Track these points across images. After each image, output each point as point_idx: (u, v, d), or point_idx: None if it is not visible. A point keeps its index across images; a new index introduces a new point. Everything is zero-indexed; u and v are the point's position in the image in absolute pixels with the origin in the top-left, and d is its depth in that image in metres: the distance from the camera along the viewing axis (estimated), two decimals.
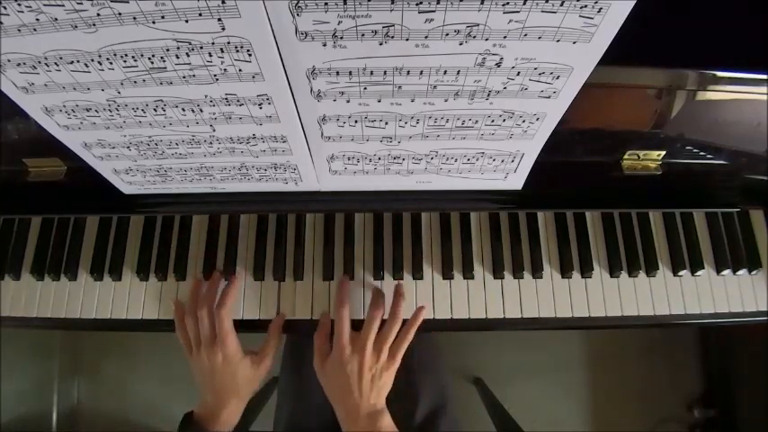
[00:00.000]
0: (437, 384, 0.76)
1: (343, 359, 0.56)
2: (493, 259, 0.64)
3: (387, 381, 0.57)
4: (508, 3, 0.32)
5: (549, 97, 0.41)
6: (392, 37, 0.34)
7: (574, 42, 0.35)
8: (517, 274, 0.64)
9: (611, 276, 0.64)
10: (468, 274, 0.63)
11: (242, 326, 0.62)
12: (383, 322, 0.58)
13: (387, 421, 0.55)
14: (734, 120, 0.52)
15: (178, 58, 0.36)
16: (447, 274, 0.63)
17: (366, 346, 0.56)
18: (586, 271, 0.64)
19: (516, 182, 0.55)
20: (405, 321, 0.59)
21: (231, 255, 0.65)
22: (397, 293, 0.61)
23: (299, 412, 0.74)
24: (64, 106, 0.42)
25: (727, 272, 0.64)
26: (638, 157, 0.58)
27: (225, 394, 0.58)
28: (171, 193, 0.58)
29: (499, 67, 0.38)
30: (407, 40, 0.35)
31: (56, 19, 0.33)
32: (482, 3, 0.31)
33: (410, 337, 0.59)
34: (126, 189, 0.57)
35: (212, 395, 0.58)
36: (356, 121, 0.45)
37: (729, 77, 0.47)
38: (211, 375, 0.58)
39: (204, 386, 0.59)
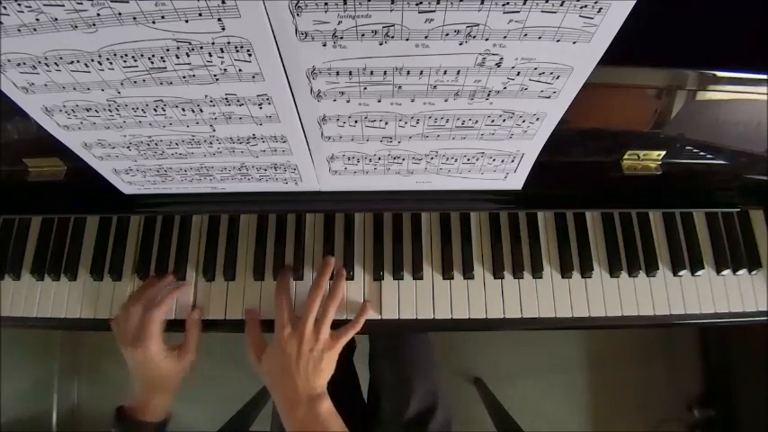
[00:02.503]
0: (430, 384, 0.76)
1: (281, 340, 0.56)
2: (493, 259, 0.64)
3: (328, 363, 0.57)
4: (508, 3, 0.32)
5: (549, 97, 0.41)
6: (392, 37, 0.34)
7: (574, 42, 0.35)
8: (517, 274, 0.64)
9: (611, 276, 0.64)
10: (468, 274, 0.63)
11: (242, 326, 0.62)
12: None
13: (326, 405, 0.55)
14: (734, 120, 0.52)
15: (178, 58, 0.36)
16: (447, 274, 0.63)
17: (306, 326, 0.56)
18: (586, 271, 0.64)
19: (516, 182, 0.55)
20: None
21: (231, 255, 0.65)
22: (338, 273, 0.62)
23: None
24: (64, 106, 0.42)
25: (727, 272, 0.64)
26: (638, 157, 0.58)
27: (150, 388, 0.59)
28: (171, 193, 0.58)
29: (499, 67, 0.38)
30: (407, 40, 0.35)
31: (56, 19, 0.33)
32: (482, 3, 0.31)
33: (358, 326, 0.59)
34: (126, 189, 0.57)
35: (139, 386, 0.60)
36: (356, 121, 0.45)
37: (729, 77, 0.47)
38: (137, 369, 0.59)
39: (133, 375, 0.60)
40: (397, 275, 0.63)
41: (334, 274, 0.62)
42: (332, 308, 0.58)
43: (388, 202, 0.64)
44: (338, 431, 0.54)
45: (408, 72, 0.38)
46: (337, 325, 0.59)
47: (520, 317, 0.62)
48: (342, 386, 0.76)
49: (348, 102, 0.42)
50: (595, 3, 0.31)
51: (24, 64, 0.37)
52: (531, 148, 0.50)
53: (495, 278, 0.64)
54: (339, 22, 0.33)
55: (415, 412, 0.73)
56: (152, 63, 0.37)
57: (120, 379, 1.36)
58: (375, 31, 0.34)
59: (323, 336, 0.56)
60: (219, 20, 0.33)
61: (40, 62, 0.37)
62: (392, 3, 0.31)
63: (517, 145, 0.49)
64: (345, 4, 0.32)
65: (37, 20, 0.33)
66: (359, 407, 0.83)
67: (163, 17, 0.33)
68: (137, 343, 0.58)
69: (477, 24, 0.33)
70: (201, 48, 0.35)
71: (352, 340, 0.90)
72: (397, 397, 0.74)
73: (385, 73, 0.38)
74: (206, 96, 0.41)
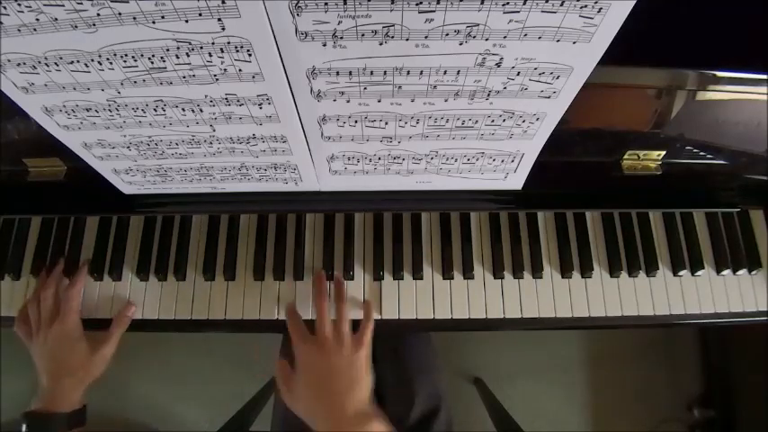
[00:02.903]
0: (433, 386, 0.76)
1: (305, 360, 0.52)
2: (493, 259, 0.64)
3: (361, 368, 0.52)
4: (508, 3, 0.32)
5: (549, 97, 0.41)
6: (392, 37, 0.34)
7: (574, 42, 0.35)
8: (517, 274, 0.64)
9: (611, 276, 0.64)
10: (468, 274, 0.63)
11: (242, 326, 0.62)
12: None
13: (377, 426, 0.49)
14: (734, 120, 0.52)
15: (178, 58, 0.36)
16: (447, 274, 0.63)
17: (324, 335, 0.53)
18: (586, 271, 0.64)
19: (516, 182, 0.55)
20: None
21: (231, 255, 0.65)
22: (337, 281, 0.62)
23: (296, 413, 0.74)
24: (64, 106, 0.42)
25: (727, 272, 0.64)
26: (638, 157, 0.58)
27: (58, 373, 0.57)
28: (171, 193, 0.58)
29: (499, 67, 0.38)
30: (407, 40, 0.35)
31: (56, 19, 0.33)
32: (482, 3, 0.31)
33: (371, 320, 0.57)
34: (126, 189, 0.57)
35: (47, 376, 0.57)
36: (356, 121, 0.45)
37: (729, 77, 0.47)
38: (47, 354, 0.57)
39: (41, 370, 0.58)
40: (397, 275, 0.63)
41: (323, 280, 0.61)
42: (343, 308, 0.56)
43: (388, 202, 0.64)
44: None
45: (408, 72, 0.38)
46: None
47: (520, 317, 0.62)
48: None
49: (348, 102, 0.42)
50: (595, 3, 0.31)
51: (24, 64, 0.37)
52: (531, 148, 0.50)
53: (495, 278, 0.64)
54: (339, 22, 0.33)
55: (419, 415, 0.73)
56: (152, 63, 0.37)
57: (120, 379, 1.36)
58: (375, 31, 0.34)
59: (346, 338, 0.53)
60: (219, 20, 0.33)
61: (40, 62, 0.37)
62: (392, 3, 0.31)
63: (517, 145, 0.49)
64: (345, 4, 0.32)
65: (37, 20, 0.33)
66: None
67: (163, 17, 0.33)
68: (54, 320, 0.57)
69: (477, 24, 0.33)
70: (201, 48, 0.35)
71: None
72: (401, 399, 0.74)
73: (385, 73, 0.38)
74: (206, 96, 0.41)
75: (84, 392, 0.59)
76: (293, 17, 0.33)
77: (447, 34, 0.34)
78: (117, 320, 0.61)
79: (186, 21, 0.33)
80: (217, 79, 0.39)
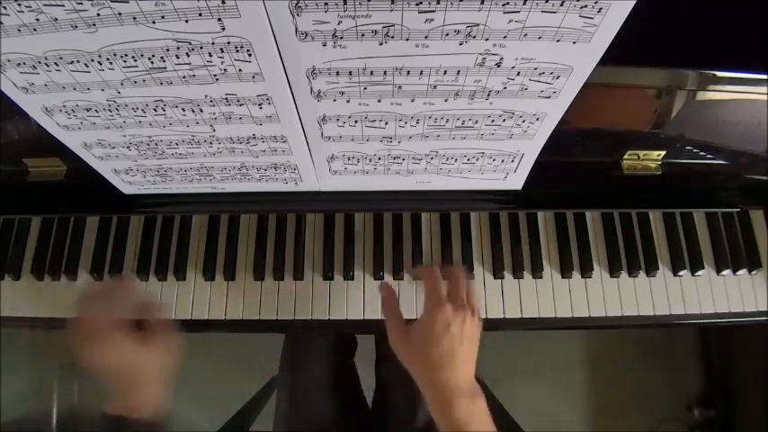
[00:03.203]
0: None
1: (446, 318, 0.49)
2: (493, 259, 0.64)
3: (475, 346, 0.52)
4: (508, 3, 0.32)
5: (549, 97, 0.41)
6: (392, 37, 0.34)
7: (574, 42, 0.35)
8: (517, 274, 0.64)
9: (611, 276, 0.64)
10: (467, 274, 0.63)
11: (242, 326, 0.62)
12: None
13: (483, 401, 0.49)
14: (734, 120, 0.52)
15: (178, 58, 0.36)
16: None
17: (465, 303, 0.50)
18: (586, 271, 0.63)
19: (516, 182, 0.55)
20: None
21: (231, 255, 0.65)
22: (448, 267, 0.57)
23: (298, 412, 0.74)
24: (64, 106, 0.42)
25: (727, 272, 0.64)
26: (638, 157, 0.58)
27: (131, 384, 0.55)
28: (171, 193, 0.58)
29: (499, 67, 0.38)
30: (407, 40, 0.35)
31: (56, 19, 0.33)
32: (482, 3, 0.31)
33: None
34: (126, 189, 0.57)
35: (119, 390, 0.55)
36: (356, 121, 0.45)
37: (729, 77, 0.47)
38: (113, 368, 0.55)
39: (109, 382, 0.56)
40: (398, 275, 0.63)
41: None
42: (463, 279, 0.52)
43: (388, 202, 0.64)
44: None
45: (408, 72, 0.38)
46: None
47: (520, 317, 0.62)
48: (343, 385, 0.76)
49: (348, 102, 0.42)
50: (595, 3, 0.31)
51: (24, 64, 0.37)
52: (531, 148, 0.49)
53: (495, 278, 0.64)
54: (339, 22, 0.33)
55: (425, 417, 0.72)
56: (152, 63, 0.37)
57: None
58: (375, 31, 0.34)
59: (477, 314, 0.51)
60: (219, 20, 0.33)
61: (40, 62, 0.37)
62: (392, 3, 0.31)
63: (517, 145, 0.49)
64: (345, 4, 0.32)
65: (37, 20, 0.33)
66: (361, 408, 0.83)
67: (163, 17, 0.32)
68: (106, 337, 0.54)
69: (477, 24, 0.33)
70: (201, 48, 0.35)
71: (353, 339, 0.90)
72: (407, 402, 0.74)
73: (385, 73, 0.38)
74: (206, 96, 0.41)
75: (160, 395, 0.56)
76: (293, 17, 0.33)
77: (447, 34, 0.34)
78: (146, 316, 0.58)
79: (186, 21, 0.33)
80: (217, 79, 0.39)
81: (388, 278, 0.63)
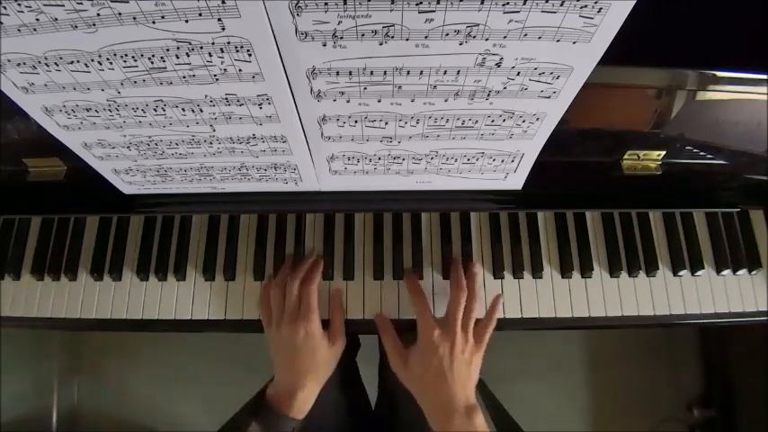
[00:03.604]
0: None
1: (432, 342, 0.53)
2: (493, 259, 0.64)
3: (476, 367, 0.55)
4: (508, 3, 0.32)
5: (549, 97, 0.41)
6: (392, 37, 0.34)
7: (574, 42, 0.35)
8: (517, 274, 0.64)
9: (611, 276, 0.64)
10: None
11: (242, 326, 0.62)
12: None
13: (481, 419, 0.51)
14: (734, 120, 0.52)
15: (178, 58, 0.36)
16: (447, 275, 0.63)
17: (456, 327, 0.54)
18: (586, 271, 0.64)
19: (516, 182, 0.55)
20: None
21: (231, 255, 0.65)
22: (471, 272, 0.60)
23: None
24: (64, 106, 0.42)
25: (727, 272, 0.64)
26: (638, 157, 0.58)
27: (304, 374, 0.55)
28: (171, 193, 0.57)
29: (499, 67, 0.38)
30: (407, 40, 0.35)
31: (56, 19, 0.33)
32: (482, 3, 0.31)
33: (494, 321, 0.57)
34: (126, 189, 0.57)
35: (290, 374, 0.55)
36: (356, 121, 0.45)
37: (729, 77, 0.47)
38: (291, 353, 0.55)
39: (282, 364, 0.56)
40: (398, 275, 0.63)
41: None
42: (475, 308, 0.56)
43: (388, 202, 0.64)
44: None
45: (408, 72, 0.38)
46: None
47: (520, 317, 0.62)
48: (345, 386, 0.76)
49: (348, 102, 0.42)
50: (595, 3, 0.31)
51: (24, 64, 0.37)
52: (531, 148, 0.49)
53: (495, 278, 0.64)
54: (339, 22, 0.33)
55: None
56: (152, 63, 0.37)
57: (120, 379, 1.36)
58: (375, 31, 0.34)
59: (470, 336, 0.54)
60: (219, 20, 0.33)
61: (40, 62, 0.37)
62: (392, 3, 0.31)
63: (517, 145, 0.49)
64: (345, 4, 0.32)
65: (37, 20, 0.33)
66: (363, 408, 0.83)
67: (163, 17, 0.32)
68: (300, 320, 0.55)
69: (477, 24, 0.33)
70: (201, 48, 0.35)
71: (356, 339, 0.90)
72: (413, 403, 0.74)
73: (385, 73, 0.38)
74: (206, 96, 0.41)
75: (317, 394, 0.57)
76: (293, 17, 0.33)
77: (447, 34, 0.34)
78: (333, 309, 0.60)
79: (186, 21, 0.33)
80: (217, 79, 0.39)
81: (388, 278, 0.63)
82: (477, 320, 0.57)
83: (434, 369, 0.53)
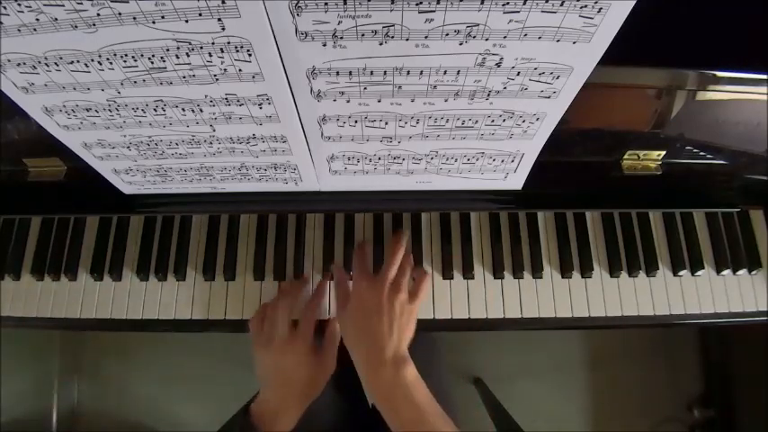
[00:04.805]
0: (437, 386, 0.76)
1: (361, 294, 0.55)
2: (493, 259, 0.64)
3: (409, 320, 0.55)
4: (508, 3, 0.32)
5: (549, 97, 0.41)
6: (392, 37, 0.34)
7: (574, 42, 0.35)
8: (517, 274, 0.64)
9: (611, 276, 0.64)
10: (468, 274, 0.63)
11: (242, 326, 0.62)
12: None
13: (411, 369, 0.51)
14: (734, 120, 0.52)
15: (178, 58, 0.36)
16: (447, 274, 0.63)
17: (387, 276, 0.55)
18: (586, 271, 0.64)
19: (516, 182, 0.55)
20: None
21: (231, 255, 0.65)
22: (399, 234, 0.62)
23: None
24: (64, 106, 0.42)
25: (727, 272, 0.64)
26: (638, 157, 0.58)
27: (291, 397, 0.56)
28: (171, 193, 0.57)
29: (499, 67, 0.38)
30: (407, 40, 0.35)
31: (56, 19, 0.33)
32: (482, 3, 0.31)
33: (427, 282, 0.59)
34: (126, 189, 0.57)
35: (277, 395, 0.56)
36: (356, 121, 0.45)
37: (729, 77, 0.47)
38: (280, 375, 0.56)
39: (269, 384, 0.57)
40: None
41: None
42: (408, 268, 0.58)
43: (388, 202, 0.64)
44: (427, 401, 0.50)
45: (408, 72, 0.38)
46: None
47: (520, 317, 0.62)
48: (342, 386, 0.76)
49: (348, 102, 0.42)
50: (595, 3, 0.31)
51: (24, 64, 0.37)
52: (531, 148, 0.49)
53: (495, 278, 0.64)
54: (339, 22, 0.33)
55: None
56: (152, 63, 0.37)
57: (120, 379, 1.36)
58: (375, 31, 0.34)
59: (403, 289, 0.55)
60: (219, 20, 0.33)
61: (40, 62, 0.37)
62: (392, 3, 0.31)
63: (517, 145, 0.49)
64: (345, 4, 0.32)
65: (37, 20, 0.33)
66: (361, 407, 0.83)
67: (163, 17, 0.32)
68: (290, 342, 0.56)
69: (477, 24, 0.33)
70: (201, 48, 0.35)
71: None
72: None
73: (385, 73, 0.38)
74: (206, 96, 0.41)
75: (301, 414, 0.57)
76: (293, 17, 0.33)
77: (447, 34, 0.34)
78: (328, 334, 0.60)
79: (186, 21, 0.33)
80: (217, 79, 0.39)
81: None
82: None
83: (361, 320, 0.54)
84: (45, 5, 0.32)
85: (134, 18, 0.33)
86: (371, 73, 0.38)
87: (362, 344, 0.53)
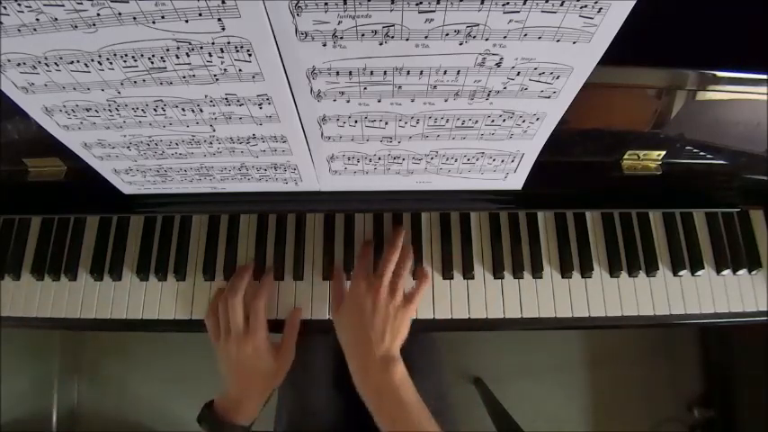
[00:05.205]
0: (437, 387, 0.76)
1: (358, 292, 0.56)
2: (493, 259, 0.64)
3: (402, 323, 0.56)
4: (508, 3, 0.32)
5: (549, 97, 0.41)
6: (392, 37, 0.34)
7: (574, 42, 0.35)
8: (517, 274, 0.64)
9: (611, 276, 0.64)
10: (468, 274, 0.63)
11: None
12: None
13: (400, 369, 0.53)
14: (734, 120, 0.52)
15: (178, 58, 0.36)
16: (447, 275, 0.63)
17: (383, 280, 0.56)
18: (586, 271, 0.63)
19: (516, 182, 0.55)
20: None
21: (231, 255, 0.65)
22: (398, 232, 0.62)
23: (299, 412, 0.74)
24: (64, 106, 0.42)
25: (727, 272, 0.64)
26: (638, 157, 0.58)
27: (248, 387, 0.57)
28: (171, 193, 0.57)
29: (499, 67, 0.38)
30: (407, 40, 0.35)
31: (56, 19, 0.33)
32: (482, 3, 0.31)
33: (425, 285, 0.59)
34: (126, 189, 0.57)
35: (237, 388, 0.58)
36: (356, 121, 0.45)
37: (729, 77, 0.47)
38: (237, 367, 0.57)
39: (229, 378, 0.58)
40: None
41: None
42: (405, 269, 0.58)
43: (388, 202, 0.64)
44: (413, 400, 0.52)
45: (408, 72, 0.38)
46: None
47: (520, 317, 0.62)
48: (345, 384, 0.76)
49: (348, 102, 0.42)
50: (595, 3, 0.31)
51: (24, 64, 0.37)
52: (531, 148, 0.49)
53: (495, 278, 0.64)
54: (339, 22, 0.33)
55: None
56: (152, 63, 0.37)
57: (120, 379, 1.36)
58: (375, 31, 0.34)
59: (399, 293, 0.56)
60: (219, 20, 0.33)
61: (40, 62, 0.37)
62: (392, 3, 0.31)
63: (517, 145, 0.49)
64: (345, 4, 0.32)
65: (37, 20, 0.33)
66: (358, 408, 0.83)
67: (163, 17, 0.32)
68: (246, 335, 0.57)
69: (477, 24, 0.33)
70: (201, 48, 0.35)
71: None
72: None
73: (385, 73, 0.38)
74: (206, 96, 0.41)
75: (263, 404, 0.59)
76: (293, 17, 0.33)
77: (447, 34, 0.34)
78: (288, 326, 0.61)
79: (186, 21, 0.33)
80: (217, 79, 0.39)
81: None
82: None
83: (356, 320, 0.55)
84: (45, 5, 0.32)
85: (134, 18, 0.33)
86: (371, 73, 0.38)
87: (354, 343, 0.55)
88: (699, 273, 0.64)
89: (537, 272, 0.63)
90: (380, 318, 0.54)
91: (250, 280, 0.62)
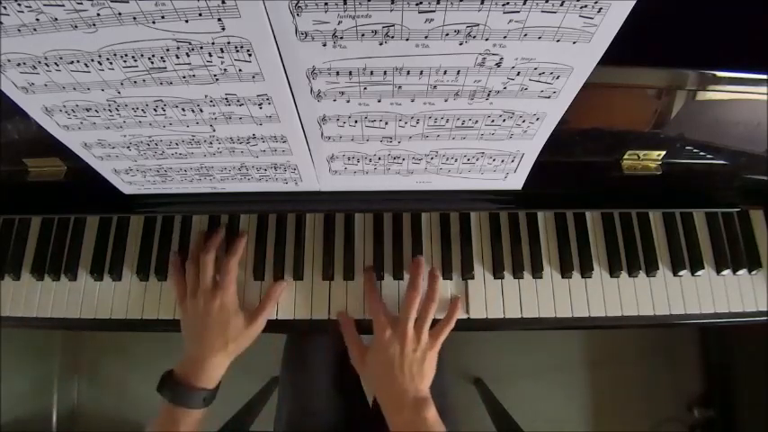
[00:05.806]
0: (438, 387, 0.76)
1: (384, 342, 0.56)
2: (493, 259, 0.64)
3: (430, 364, 0.57)
4: (508, 3, 0.32)
5: (549, 97, 0.41)
6: (392, 37, 0.34)
7: (574, 42, 0.35)
8: (517, 274, 0.64)
9: (611, 276, 0.64)
10: (467, 274, 0.63)
11: None
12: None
13: (433, 411, 0.54)
14: (734, 120, 0.52)
15: (178, 58, 0.36)
16: (447, 275, 0.63)
17: (407, 327, 0.56)
18: (586, 271, 0.63)
19: (516, 182, 0.55)
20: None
21: None
22: (432, 275, 0.60)
23: (299, 412, 0.74)
24: (64, 106, 0.42)
25: (727, 272, 0.64)
26: (638, 157, 0.58)
27: (213, 345, 0.56)
28: (171, 193, 0.58)
29: (499, 67, 0.38)
30: (407, 40, 0.35)
31: (56, 19, 0.33)
32: (482, 3, 0.31)
33: (452, 323, 0.59)
34: (126, 189, 0.57)
35: (199, 345, 0.56)
36: (356, 121, 0.45)
37: (729, 77, 0.47)
38: (203, 323, 0.56)
39: (192, 337, 0.57)
40: (397, 276, 0.63)
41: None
42: (431, 309, 0.58)
43: (388, 202, 0.64)
44: None
45: (408, 72, 0.38)
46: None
47: (520, 317, 0.62)
48: (346, 385, 0.76)
49: (348, 102, 0.42)
50: (595, 3, 0.31)
51: (24, 64, 0.37)
52: (531, 148, 0.50)
53: (495, 278, 0.64)
54: (339, 22, 0.33)
55: None
56: (152, 63, 0.37)
57: (120, 379, 1.36)
58: (375, 31, 0.34)
59: (424, 336, 0.56)
60: (219, 20, 0.33)
61: (40, 62, 0.37)
62: (392, 3, 0.31)
63: (517, 145, 0.49)
64: (345, 4, 0.32)
65: (37, 20, 0.33)
66: (362, 407, 0.83)
67: (163, 17, 0.33)
68: (215, 289, 0.57)
69: (477, 24, 0.33)
70: (201, 48, 0.35)
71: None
72: None
73: (385, 73, 0.38)
74: (206, 96, 0.41)
75: (226, 368, 0.58)
76: (293, 17, 0.33)
77: (447, 34, 0.34)
78: (267, 298, 0.61)
79: (186, 21, 0.33)
80: (217, 79, 0.39)
81: (388, 279, 0.63)
82: (437, 320, 0.59)
83: (386, 367, 0.55)
84: (45, 5, 0.32)
85: (134, 18, 0.33)
86: (371, 73, 0.38)
87: (386, 390, 0.56)
88: (699, 273, 0.64)
89: (537, 272, 0.63)
90: (408, 363, 0.55)
91: (222, 243, 0.62)
